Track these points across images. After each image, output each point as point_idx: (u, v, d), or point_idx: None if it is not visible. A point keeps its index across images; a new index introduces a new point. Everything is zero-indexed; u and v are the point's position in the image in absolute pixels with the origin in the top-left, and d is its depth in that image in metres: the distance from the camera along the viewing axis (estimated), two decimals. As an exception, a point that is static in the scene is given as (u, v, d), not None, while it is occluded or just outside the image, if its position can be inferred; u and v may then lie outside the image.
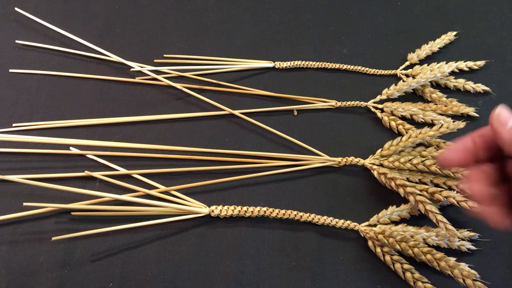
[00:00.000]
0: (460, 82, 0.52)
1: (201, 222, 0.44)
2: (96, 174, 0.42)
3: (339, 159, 0.47)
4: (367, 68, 0.54)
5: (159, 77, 0.50)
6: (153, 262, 0.42)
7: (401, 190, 0.43)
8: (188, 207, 0.43)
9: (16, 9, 0.55)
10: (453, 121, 0.48)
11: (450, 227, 0.40)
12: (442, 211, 0.43)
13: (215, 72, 0.54)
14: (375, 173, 0.46)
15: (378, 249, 0.41)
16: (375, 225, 0.43)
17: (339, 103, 0.51)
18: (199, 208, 0.43)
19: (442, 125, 0.45)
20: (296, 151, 0.48)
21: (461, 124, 0.45)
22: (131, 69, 0.51)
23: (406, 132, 0.48)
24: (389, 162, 0.45)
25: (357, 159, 0.47)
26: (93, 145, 0.47)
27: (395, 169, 0.45)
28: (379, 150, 0.47)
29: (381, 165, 0.46)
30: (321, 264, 0.42)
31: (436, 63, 0.54)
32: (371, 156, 0.47)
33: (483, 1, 0.60)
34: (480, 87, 0.52)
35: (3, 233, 0.42)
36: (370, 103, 0.51)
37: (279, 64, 0.54)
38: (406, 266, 0.40)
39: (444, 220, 0.40)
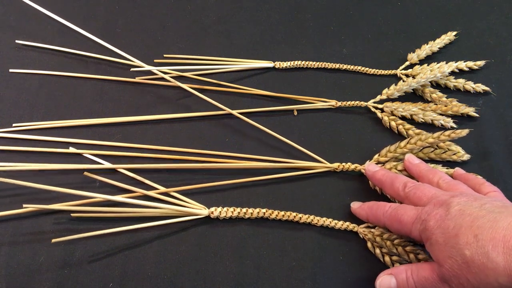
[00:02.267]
0: (460, 82, 0.52)
1: (201, 222, 0.44)
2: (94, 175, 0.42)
3: (336, 165, 0.47)
4: (367, 68, 0.54)
5: (166, 76, 0.50)
6: (153, 262, 0.42)
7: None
8: (187, 208, 0.43)
9: None
10: (453, 121, 0.49)
11: None
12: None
13: (215, 72, 0.54)
14: (370, 183, 0.46)
15: (378, 250, 0.41)
16: (374, 227, 0.43)
17: (339, 103, 0.51)
18: (199, 210, 0.43)
19: (442, 133, 0.45)
20: (295, 152, 0.48)
21: (463, 133, 0.45)
22: (131, 69, 0.51)
23: (406, 132, 0.48)
24: (386, 169, 0.45)
25: (354, 166, 0.46)
26: (93, 144, 0.47)
27: None
28: (376, 156, 0.47)
29: None
30: (321, 264, 0.42)
31: (436, 63, 0.54)
32: (368, 161, 0.47)
33: (483, 1, 0.60)
34: (480, 87, 0.52)
35: (3, 234, 0.42)
36: (370, 103, 0.51)
37: (279, 64, 0.54)
38: (406, 266, 0.40)
39: None
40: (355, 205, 0.43)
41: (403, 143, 0.46)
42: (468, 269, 0.31)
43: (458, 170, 0.44)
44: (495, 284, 0.30)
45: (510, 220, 0.30)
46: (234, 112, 0.49)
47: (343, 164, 0.47)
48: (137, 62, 0.50)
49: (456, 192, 0.37)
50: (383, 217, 0.39)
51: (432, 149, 0.47)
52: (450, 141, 0.47)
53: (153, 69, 0.50)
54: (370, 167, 0.45)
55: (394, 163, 0.45)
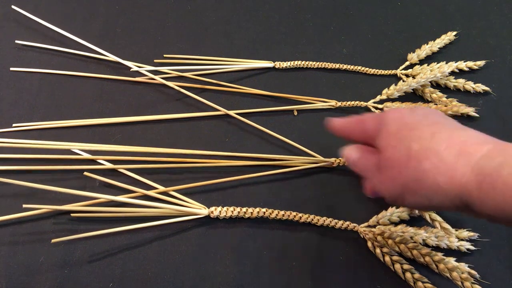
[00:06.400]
0: (460, 82, 0.52)
1: (201, 222, 0.44)
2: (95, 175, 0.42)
3: (332, 159, 0.47)
4: (367, 68, 0.54)
5: (156, 77, 0.50)
6: (153, 262, 0.42)
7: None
8: (187, 208, 0.43)
9: (13, 7, 0.55)
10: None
11: (446, 225, 0.39)
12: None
13: (215, 72, 0.54)
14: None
15: (378, 250, 0.41)
16: (374, 226, 0.43)
17: (339, 103, 0.51)
18: (199, 209, 0.43)
19: None
20: (294, 151, 0.48)
21: None
22: (131, 69, 0.51)
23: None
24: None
25: None
26: (93, 148, 0.47)
27: None
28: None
29: None
30: (321, 264, 0.42)
31: (436, 63, 0.54)
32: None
33: (483, 1, 0.60)
34: (480, 87, 0.52)
35: (3, 234, 0.42)
36: (370, 103, 0.51)
37: (279, 64, 0.54)
38: (406, 266, 0.40)
39: (439, 218, 0.40)
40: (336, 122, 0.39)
41: None
42: (406, 163, 0.29)
43: None
44: (429, 182, 0.28)
45: (474, 133, 0.29)
46: (231, 112, 0.49)
47: (340, 159, 0.47)
48: (128, 63, 0.50)
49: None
50: (352, 124, 0.37)
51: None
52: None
53: (143, 70, 0.50)
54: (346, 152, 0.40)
55: None
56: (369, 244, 0.42)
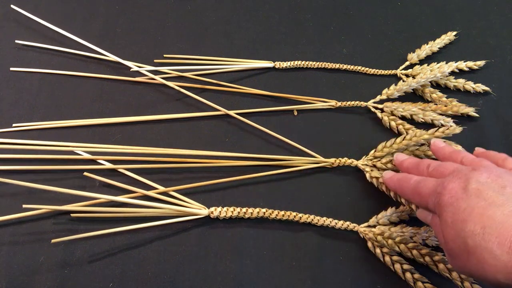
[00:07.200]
0: (460, 82, 0.52)
1: (201, 222, 0.44)
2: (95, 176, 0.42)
3: (332, 160, 0.47)
4: (367, 68, 0.54)
5: (156, 77, 0.51)
6: (153, 262, 0.42)
7: (392, 193, 0.43)
8: (187, 208, 0.43)
9: (12, 6, 0.55)
10: (453, 121, 0.49)
11: None
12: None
13: (215, 72, 0.54)
14: (367, 175, 0.46)
15: (378, 250, 0.41)
16: (374, 226, 0.43)
17: (339, 103, 0.51)
18: (199, 210, 0.43)
19: (437, 129, 0.45)
20: (294, 152, 0.48)
21: (457, 129, 0.45)
22: (131, 69, 0.51)
23: (406, 132, 0.48)
24: (382, 163, 0.45)
25: (350, 160, 0.47)
26: (93, 148, 0.47)
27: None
28: (372, 151, 0.47)
29: (374, 166, 0.46)
30: (321, 264, 0.42)
31: (436, 63, 0.54)
32: (364, 157, 0.47)
33: (483, 1, 0.60)
34: (480, 87, 0.52)
35: (3, 234, 0.42)
36: (370, 103, 0.51)
37: (279, 64, 0.54)
38: (406, 266, 0.40)
39: None
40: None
41: (399, 139, 0.46)
42: (468, 258, 0.31)
43: (478, 149, 0.43)
44: (491, 279, 0.30)
45: None
46: (231, 112, 0.49)
47: (340, 159, 0.47)
48: (128, 63, 0.50)
49: (478, 165, 0.36)
50: (407, 190, 0.38)
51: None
52: (450, 139, 0.47)
53: (143, 70, 0.50)
54: (398, 156, 0.44)
55: (390, 158, 0.46)
56: (369, 244, 0.42)
